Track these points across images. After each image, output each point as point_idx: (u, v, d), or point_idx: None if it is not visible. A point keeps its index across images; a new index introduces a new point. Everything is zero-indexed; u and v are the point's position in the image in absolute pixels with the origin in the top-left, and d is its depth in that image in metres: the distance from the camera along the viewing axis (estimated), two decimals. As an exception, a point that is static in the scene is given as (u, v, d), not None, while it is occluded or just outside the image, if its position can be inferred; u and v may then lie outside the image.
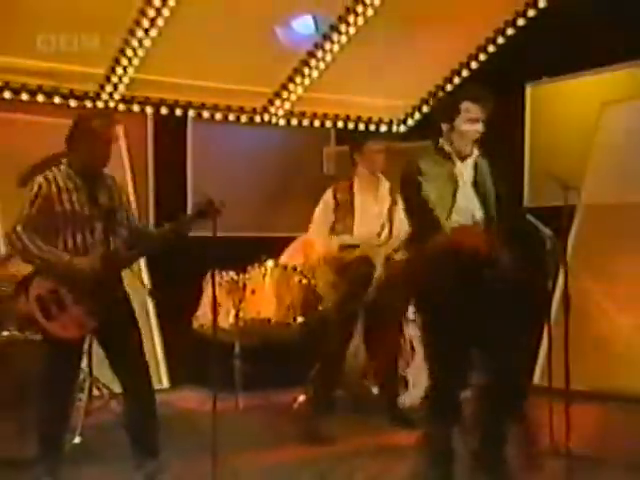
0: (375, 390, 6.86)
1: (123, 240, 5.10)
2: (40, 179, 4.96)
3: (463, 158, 4.71)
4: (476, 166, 4.76)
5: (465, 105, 4.64)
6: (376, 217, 6.41)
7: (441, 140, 4.73)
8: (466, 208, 4.67)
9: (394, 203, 6.36)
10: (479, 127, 4.65)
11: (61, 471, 5.00)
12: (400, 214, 6.32)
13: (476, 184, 4.73)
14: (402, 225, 6.25)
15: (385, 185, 6.47)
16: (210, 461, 4.63)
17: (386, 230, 6.38)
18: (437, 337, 4.68)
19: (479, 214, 4.67)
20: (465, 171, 4.71)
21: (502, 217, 4.72)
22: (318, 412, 6.25)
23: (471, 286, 4.47)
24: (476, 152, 4.74)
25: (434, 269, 4.53)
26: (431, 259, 4.55)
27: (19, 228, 4.87)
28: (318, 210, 6.54)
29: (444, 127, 4.70)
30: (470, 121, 4.63)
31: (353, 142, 6.65)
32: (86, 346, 5.51)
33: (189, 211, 7.87)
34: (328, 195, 6.51)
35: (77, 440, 5.71)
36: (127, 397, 5.13)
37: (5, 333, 5.61)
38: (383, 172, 6.48)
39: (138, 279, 6.48)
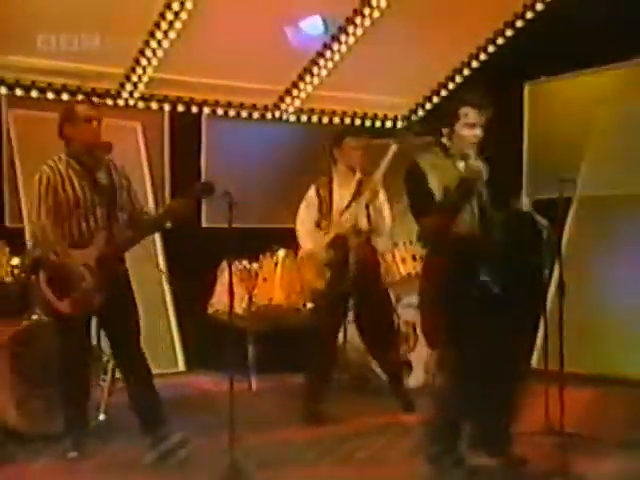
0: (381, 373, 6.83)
1: (124, 223, 5.19)
2: (46, 169, 5.06)
3: (463, 158, 4.71)
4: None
5: (464, 110, 4.67)
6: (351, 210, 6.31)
7: (443, 138, 4.76)
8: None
9: (374, 195, 6.25)
10: (477, 132, 4.67)
11: (86, 445, 5.14)
12: (382, 206, 6.33)
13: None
14: (379, 215, 6.29)
15: (357, 176, 6.37)
16: (225, 437, 4.69)
17: (364, 221, 6.28)
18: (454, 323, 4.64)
19: (476, 210, 4.66)
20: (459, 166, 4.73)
21: (500, 208, 4.74)
22: (312, 396, 6.23)
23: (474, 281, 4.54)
24: (473, 155, 4.70)
25: (445, 266, 4.59)
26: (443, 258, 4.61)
27: (43, 218, 5.00)
28: (302, 208, 6.46)
29: (444, 131, 4.73)
30: (468, 126, 4.66)
31: (333, 138, 6.49)
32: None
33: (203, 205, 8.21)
34: (312, 193, 6.42)
35: (102, 417, 5.83)
36: (125, 373, 5.29)
37: (34, 317, 5.75)
38: (361, 168, 6.40)
39: (155, 266, 6.60)
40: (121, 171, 5.28)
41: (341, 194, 6.35)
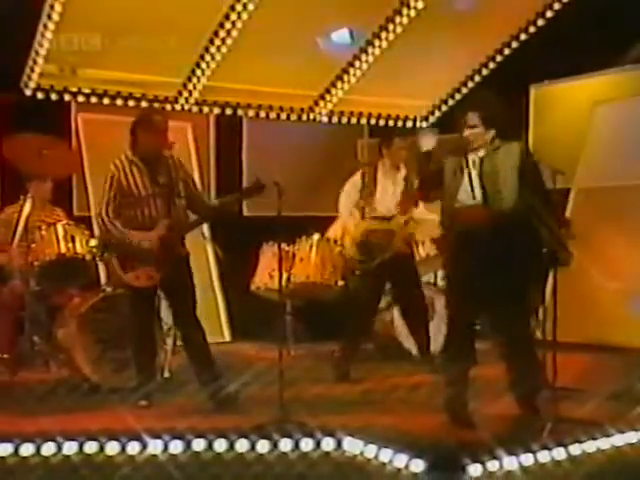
0: (406, 343, 7.19)
1: (183, 209, 5.53)
2: (112, 168, 5.49)
3: (472, 150, 5.08)
4: (484, 157, 5.07)
5: (467, 116, 5.10)
6: (392, 197, 6.68)
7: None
8: (468, 188, 5.06)
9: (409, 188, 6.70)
10: (476, 130, 5.06)
11: (154, 397, 5.59)
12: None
13: (481, 170, 5.06)
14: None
15: (402, 173, 6.71)
16: (271, 391, 5.09)
17: (414, 211, 6.68)
18: (458, 289, 5.15)
19: (479, 195, 5.04)
20: (472, 159, 5.09)
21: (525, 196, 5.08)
22: (348, 359, 6.64)
23: (477, 253, 5.00)
24: (486, 148, 5.07)
25: (453, 240, 5.15)
26: (450, 232, 5.14)
27: (103, 213, 5.50)
28: (346, 188, 6.74)
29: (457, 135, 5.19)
30: (469, 127, 5.10)
31: (384, 137, 6.87)
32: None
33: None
34: (357, 177, 6.71)
35: (166, 375, 6.20)
36: (184, 337, 5.66)
37: (108, 289, 6.18)
38: (405, 165, 6.72)
39: (201, 235, 6.98)
40: (179, 165, 5.61)
41: (385, 184, 6.72)
